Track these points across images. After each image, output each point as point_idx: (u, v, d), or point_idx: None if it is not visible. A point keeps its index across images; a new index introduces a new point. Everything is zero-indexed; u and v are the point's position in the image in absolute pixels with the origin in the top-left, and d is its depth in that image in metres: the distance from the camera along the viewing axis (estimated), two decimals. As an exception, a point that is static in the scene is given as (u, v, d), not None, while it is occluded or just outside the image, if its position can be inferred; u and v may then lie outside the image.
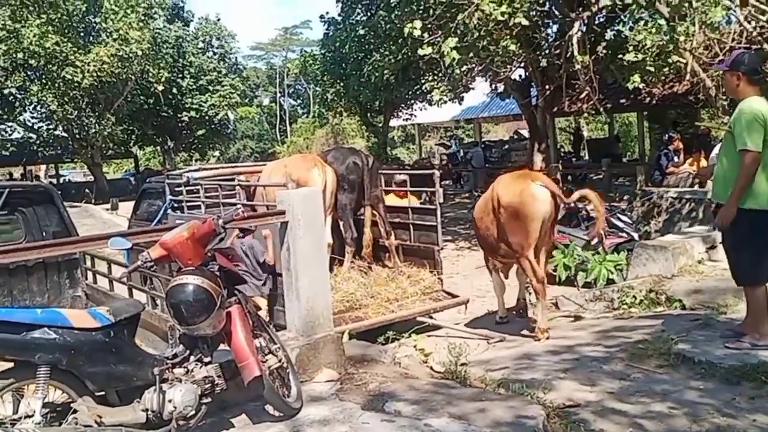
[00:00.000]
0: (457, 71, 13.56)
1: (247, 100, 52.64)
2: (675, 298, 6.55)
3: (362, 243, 8.11)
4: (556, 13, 15.53)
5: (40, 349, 3.33)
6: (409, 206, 8.41)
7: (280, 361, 4.31)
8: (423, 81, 21.15)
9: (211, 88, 39.82)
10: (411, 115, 31.93)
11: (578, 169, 22.70)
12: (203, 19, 43.51)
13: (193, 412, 3.67)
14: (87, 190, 34.86)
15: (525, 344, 6.22)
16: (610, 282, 8.05)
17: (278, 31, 72.40)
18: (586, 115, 16.48)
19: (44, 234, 6.94)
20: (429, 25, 13.04)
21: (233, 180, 8.48)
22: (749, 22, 10.24)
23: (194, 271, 3.86)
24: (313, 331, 4.94)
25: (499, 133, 42.63)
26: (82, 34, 32.42)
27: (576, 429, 3.97)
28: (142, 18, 31.04)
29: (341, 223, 7.99)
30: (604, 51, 14.45)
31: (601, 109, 15.15)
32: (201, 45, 41.99)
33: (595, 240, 9.48)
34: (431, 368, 5.43)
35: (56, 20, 29.63)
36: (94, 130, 32.78)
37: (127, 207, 15.84)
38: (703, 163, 12.15)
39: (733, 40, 10.58)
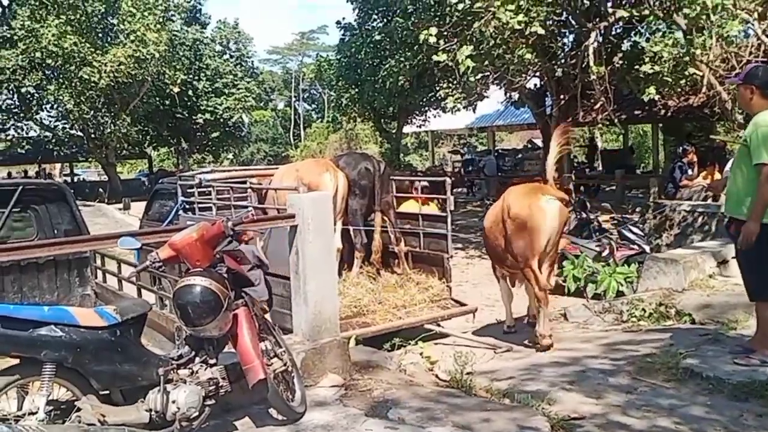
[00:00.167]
0: (472, 79, 13.54)
1: (262, 104, 52.82)
2: (685, 312, 6.49)
3: (372, 249, 8.10)
4: (573, 23, 15.49)
5: (46, 347, 3.34)
6: (419, 213, 8.39)
7: (285, 364, 4.31)
8: (437, 88, 21.20)
9: (226, 91, 39.99)
10: (424, 121, 31.95)
11: (591, 180, 22.62)
12: (221, 23, 43.75)
13: (197, 413, 3.67)
14: (100, 190, 35.05)
15: (532, 355, 6.18)
16: (619, 294, 8.01)
17: (295, 36, 72.76)
18: (600, 125, 16.42)
19: (56, 232, 6.99)
20: (445, 33, 13.06)
21: (245, 183, 8.49)
22: (767, 36, 10.19)
23: (202, 272, 3.86)
24: (319, 335, 4.94)
25: (512, 142, 42.56)
26: (100, 34, 32.70)
27: (580, 442, 3.95)
28: (160, 20, 31.23)
29: (351, 229, 7.99)
30: (620, 62, 14.43)
31: (616, 120, 15.11)
32: (218, 48, 42.18)
33: (606, 252, 9.45)
34: (437, 376, 5.42)
35: (75, 21, 29.88)
36: (109, 130, 33.00)
37: (139, 207, 15.90)
38: (717, 176, 12.07)
39: (751, 53, 10.53)
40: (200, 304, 3.75)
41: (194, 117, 39.62)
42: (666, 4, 11.86)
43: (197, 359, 3.86)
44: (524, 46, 12.84)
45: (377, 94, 26.76)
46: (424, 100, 27.56)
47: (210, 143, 43.09)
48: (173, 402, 3.61)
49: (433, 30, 12.32)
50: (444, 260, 7.88)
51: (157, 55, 30.59)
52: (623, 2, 15.69)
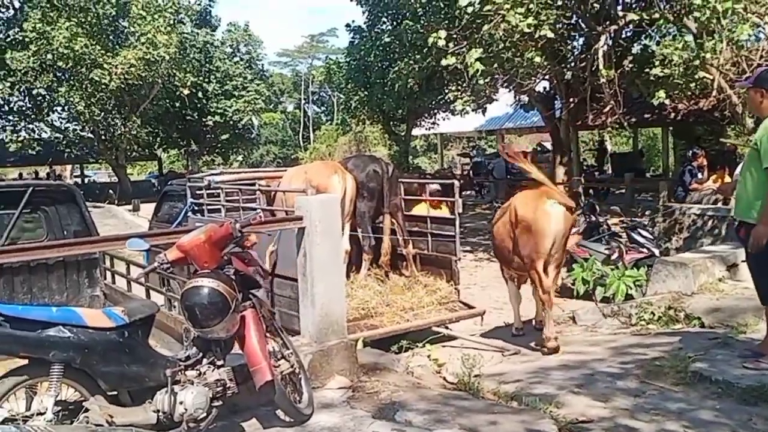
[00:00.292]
0: (481, 82, 13.54)
1: (271, 106, 52.89)
2: (694, 316, 6.47)
3: (380, 251, 8.10)
4: (583, 26, 15.47)
5: (55, 347, 3.35)
6: (428, 215, 8.39)
7: (292, 366, 4.31)
8: (446, 91, 21.16)
9: (236, 93, 40.05)
10: (434, 124, 31.94)
11: (601, 183, 22.56)
12: (232, 25, 43.86)
13: (204, 414, 3.67)
14: (110, 191, 35.19)
15: (540, 358, 6.16)
16: (628, 297, 7.97)
17: (305, 39, 72.89)
18: (610, 129, 16.39)
19: (65, 233, 7.02)
20: (454, 36, 13.06)
21: (254, 185, 8.51)
22: (778, 39, 10.16)
23: (210, 274, 3.87)
24: (326, 337, 4.94)
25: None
26: (111, 37, 32.83)
27: (588, 445, 3.94)
28: (170, 23, 31.35)
29: (359, 231, 7.99)
30: (630, 65, 14.38)
31: (625, 124, 15.08)
32: (228, 50, 42.29)
33: (615, 255, 9.43)
34: (444, 379, 5.41)
35: (86, 23, 30.04)
36: (119, 132, 33.14)
37: (148, 208, 15.96)
38: (728, 180, 12.02)
39: (761, 57, 10.49)
40: (208, 305, 3.76)
41: (204, 119, 39.71)
42: (676, 7, 11.85)
43: (205, 360, 3.86)
44: (534, 49, 12.83)
45: (386, 96, 26.78)
46: (433, 102, 27.54)
47: (219, 145, 43.18)
48: (181, 403, 3.62)
49: (443, 33, 12.33)
50: (452, 263, 7.87)
51: (167, 58, 30.69)
52: (633, 6, 15.67)
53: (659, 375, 5.04)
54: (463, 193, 21.09)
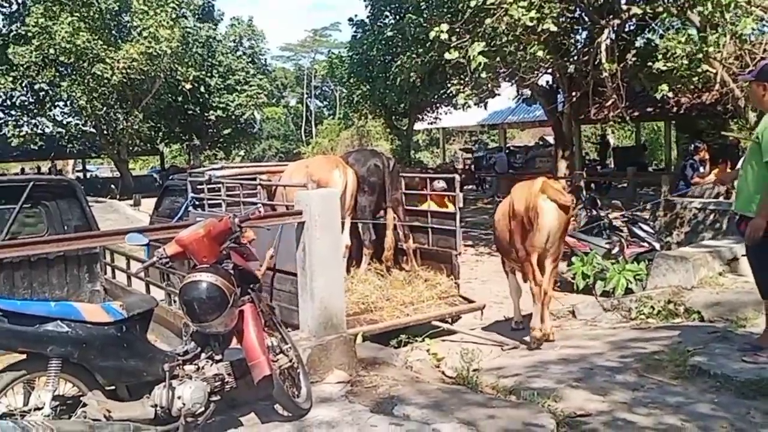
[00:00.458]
0: (484, 76, 13.51)
1: (274, 101, 52.87)
2: (694, 310, 6.47)
3: (384, 246, 8.09)
4: (586, 19, 15.41)
5: (53, 342, 3.36)
6: (428, 210, 8.40)
7: (291, 360, 4.33)
8: (449, 85, 21.13)
9: (238, 87, 39.99)
10: (436, 118, 31.89)
11: (603, 177, 22.52)
12: (235, 19, 43.80)
13: (202, 409, 3.68)
14: (112, 186, 35.21)
15: (539, 352, 6.16)
16: (628, 291, 7.98)
17: (308, 33, 72.80)
18: (612, 123, 16.35)
19: (66, 228, 7.01)
20: (457, 29, 13.03)
21: (255, 179, 8.52)
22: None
23: (208, 268, 3.87)
24: (325, 332, 4.95)
25: (524, 139, 42.40)
26: (113, 31, 32.84)
27: (585, 439, 3.94)
28: (172, 17, 31.31)
29: (360, 225, 8.00)
30: (633, 59, 14.33)
31: (628, 118, 15.03)
32: (231, 45, 42.23)
33: (616, 249, 9.43)
34: (443, 373, 5.42)
35: (88, 18, 30.02)
36: (121, 127, 33.14)
37: (150, 203, 15.97)
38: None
39: (765, 51, 10.45)
40: (206, 300, 3.76)
41: (206, 114, 39.65)
42: (680, 1, 11.79)
43: (203, 355, 3.87)
44: (536, 42, 12.80)
45: (389, 90, 26.74)
46: (436, 97, 27.50)
47: (222, 140, 43.12)
48: (179, 398, 3.62)
49: (445, 27, 12.29)
50: (452, 257, 7.88)
51: (169, 52, 30.63)
52: (637, -1, 15.62)
53: (658, 369, 5.04)
54: (465, 187, 21.11)
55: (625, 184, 20.68)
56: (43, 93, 34.23)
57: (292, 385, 4.28)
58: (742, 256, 6.91)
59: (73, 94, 31.47)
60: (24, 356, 3.45)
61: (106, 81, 30.27)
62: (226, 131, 41.64)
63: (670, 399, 4.46)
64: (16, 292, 6.66)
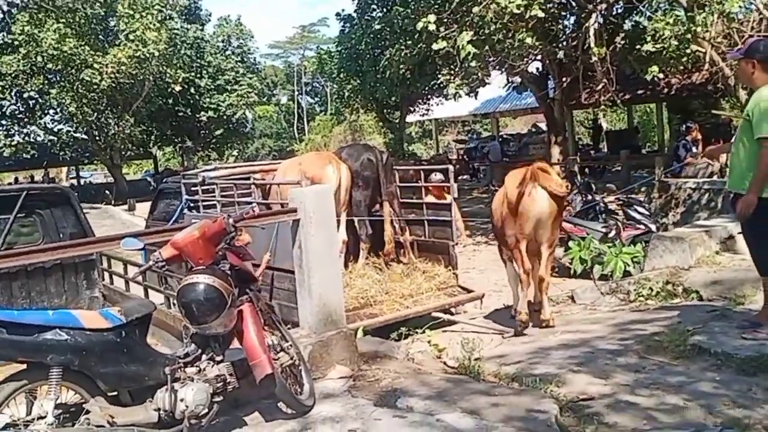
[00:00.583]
0: (473, 65, 13.50)
1: (265, 99, 52.77)
2: (692, 290, 6.48)
3: (380, 240, 8.09)
4: (573, 4, 15.43)
5: (52, 351, 3.35)
6: (423, 202, 8.39)
7: (292, 358, 4.32)
8: (439, 76, 21.12)
9: (228, 87, 39.93)
10: (428, 110, 31.88)
11: (597, 161, 22.55)
12: (223, 19, 43.69)
13: (206, 410, 3.68)
14: (107, 192, 35.15)
15: (540, 338, 6.16)
16: (626, 274, 8.01)
17: (296, 30, 72.67)
18: (603, 107, 16.38)
19: (61, 235, 7.02)
20: (444, 19, 13.01)
21: (248, 179, 8.51)
22: (769, 10, 10.13)
23: (205, 270, 3.87)
24: (325, 328, 4.95)
25: (516, 127, 42.40)
26: (100, 36, 32.71)
27: (589, 422, 3.94)
28: (159, 19, 31.20)
29: (356, 220, 7.99)
30: (622, 42, 14.35)
31: (619, 101, 15.04)
32: (220, 45, 42.13)
33: (612, 232, 9.45)
34: (445, 363, 5.42)
35: (75, 24, 29.90)
36: (113, 132, 33.01)
37: (145, 207, 15.96)
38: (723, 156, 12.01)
39: (753, 28, 10.46)
40: (204, 301, 3.76)
41: (197, 115, 39.59)
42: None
43: (204, 357, 3.86)
44: (524, 29, 12.80)
45: (379, 84, 26.71)
46: (427, 88, 27.46)
47: (214, 140, 43.06)
48: (181, 400, 3.62)
49: (432, 17, 12.28)
50: (450, 248, 7.88)
51: (157, 54, 30.52)
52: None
53: (659, 350, 5.05)
54: (459, 177, 21.12)
55: (619, 168, 20.70)
56: (33, 101, 34.18)
57: (294, 382, 4.29)
58: (738, 234, 6.93)
59: (63, 101, 31.41)
60: (24, 366, 3.44)
61: (95, 86, 30.17)
62: (218, 132, 41.62)
63: (672, 379, 4.47)
64: (15, 302, 6.66)
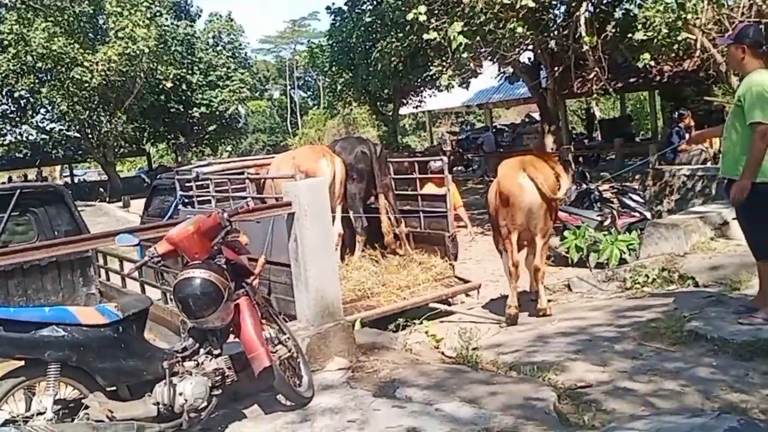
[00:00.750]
0: (465, 55, 13.48)
1: (257, 94, 52.63)
2: (688, 276, 6.50)
3: (376, 232, 8.09)
4: (563, -7, 15.41)
5: (50, 347, 3.35)
6: (418, 193, 8.39)
7: (290, 351, 4.34)
8: (431, 67, 21.07)
9: (220, 83, 39.80)
10: (421, 102, 31.82)
11: (591, 150, 22.55)
12: (214, 15, 43.53)
13: (205, 404, 3.69)
14: (101, 189, 35.03)
15: (537, 327, 6.19)
16: (622, 262, 8.02)
17: (287, 24, 72.47)
18: (596, 95, 16.37)
19: (56, 233, 7.00)
20: (435, 10, 12.98)
21: (242, 173, 8.49)
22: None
23: (201, 264, 3.87)
24: (323, 320, 4.95)
25: (510, 117, 42.34)
26: (89, 34, 32.51)
27: (587, 409, 3.96)
28: (148, 16, 31.06)
29: (351, 213, 7.99)
30: (613, 30, 14.33)
31: (611, 90, 15.05)
32: (210, 41, 41.99)
33: (607, 220, 9.46)
34: (443, 353, 5.44)
35: (64, 22, 29.73)
36: (105, 129, 32.92)
37: (139, 204, 15.92)
38: (716, 141, 12.03)
39: (743, 14, 10.46)
40: (200, 296, 3.76)
41: (190, 111, 39.44)
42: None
43: (202, 351, 3.87)
44: (515, 19, 12.78)
45: (371, 77, 26.66)
46: (419, 80, 27.42)
47: (207, 136, 42.90)
48: (180, 394, 3.63)
49: (423, 8, 12.26)
50: (445, 239, 7.89)
51: (147, 51, 30.35)
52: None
53: (656, 336, 5.08)
54: (454, 168, 21.09)
55: (613, 156, 20.71)
56: (24, 101, 34.05)
57: (293, 374, 4.29)
58: (733, 219, 6.94)
59: (54, 99, 31.30)
60: (22, 363, 3.44)
61: (86, 84, 30.03)
62: (211, 128, 41.45)
63: (669, 365, 4.49)
64: (11, 300, 6.66)
